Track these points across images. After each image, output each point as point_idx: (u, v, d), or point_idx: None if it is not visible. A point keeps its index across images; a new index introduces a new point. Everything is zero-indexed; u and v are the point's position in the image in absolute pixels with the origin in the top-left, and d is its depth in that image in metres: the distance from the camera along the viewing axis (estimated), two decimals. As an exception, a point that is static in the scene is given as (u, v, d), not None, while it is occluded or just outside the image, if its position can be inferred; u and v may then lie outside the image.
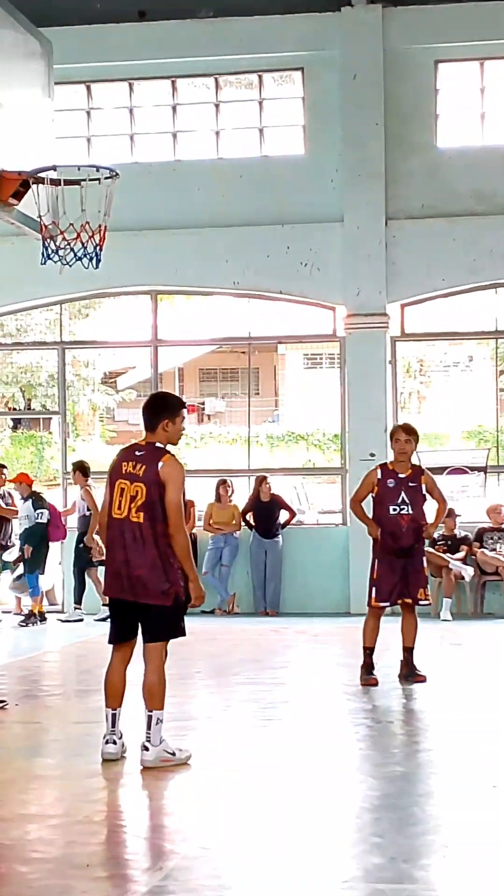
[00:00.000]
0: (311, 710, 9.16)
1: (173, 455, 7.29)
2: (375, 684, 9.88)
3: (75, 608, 15.60)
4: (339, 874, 5.20)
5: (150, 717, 7.14)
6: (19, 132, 10.19)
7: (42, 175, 9.93)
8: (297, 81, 16.69)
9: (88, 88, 17.01)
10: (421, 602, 10.10)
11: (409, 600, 10.06)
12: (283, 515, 16.21)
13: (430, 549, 14.10)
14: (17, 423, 32.44)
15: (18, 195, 9.92)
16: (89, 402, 32.00)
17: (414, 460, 10.41)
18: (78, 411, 31.14)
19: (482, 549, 15.59)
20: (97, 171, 10.10)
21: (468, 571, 15.33)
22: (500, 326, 16.74)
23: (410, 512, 9.97)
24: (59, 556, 16.38)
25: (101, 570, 15.23)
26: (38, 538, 15.23)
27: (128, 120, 17.06)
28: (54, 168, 10.08)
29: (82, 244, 10.09)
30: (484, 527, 15.85)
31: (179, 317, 20.37)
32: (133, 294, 17.84)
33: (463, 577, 15.33)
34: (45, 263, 10.27)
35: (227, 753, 7.60)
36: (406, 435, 10.10)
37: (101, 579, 15.19)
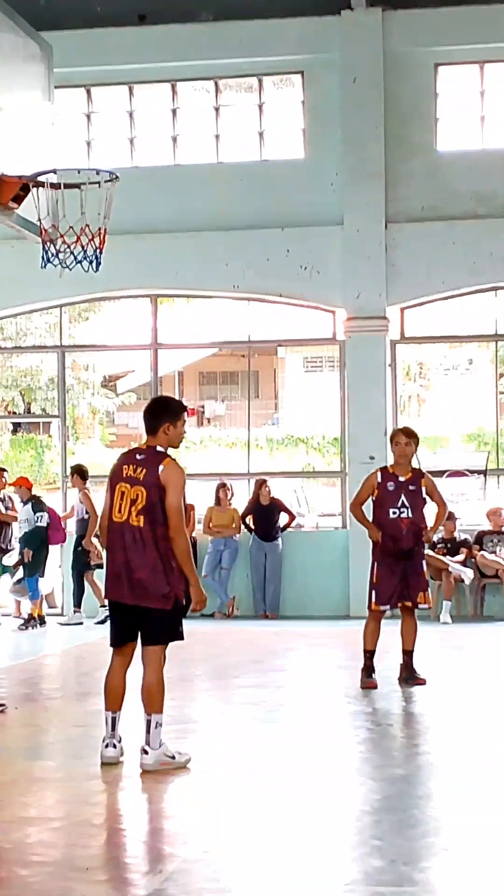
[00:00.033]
0: (311, 712, 9.16)
1: (174, 459, 7.29)
2: (375, 687, 9.88)
3: (75, 611, 15.60)
4: (340, 877, 5.20)
5: (149, 721, 7.14)
6: (19, 136, 10.21)
7: (42, 178, 9.95)
8: (296, 85, 16.70)
9: (88, 92, 17.02)
10: (421, 606, 10.10)
11: (409, 603, 10.07)
12: (283, 518, 16.22)
13: (430, 552, 14.11)
14: (16, 427, 32.41)
15: (18, 199, 9.93)
16: (89, 405, 31.98)
17: (414, 463, 10.41)
18: (78, 415, 31.11)
19: (482, 552, 15.59)
20: (97, 174, 10.13)
21: (468, 574, 15.33)
22: (501, 329, 16.74)
23: (410, 515, 9.97)
24: (59, 560, 16.38)
25: (98, 573, 15.38)
26: (38, 542, 15.23)
27: (128, 123, 17.08)
28: (54, 171, 10.10)
29: (82, 247, 10.10)
30: (484, 529, 15.86)
31: (179, 320, 20.35)
32: (133, 297, 17.84)
33: (463, 580, 15.33)
34: (45, 267, 10.28)
35: (226, 756, 7.60)
36: (406, 438, 10.10)
37: (98, 582, 15.33)
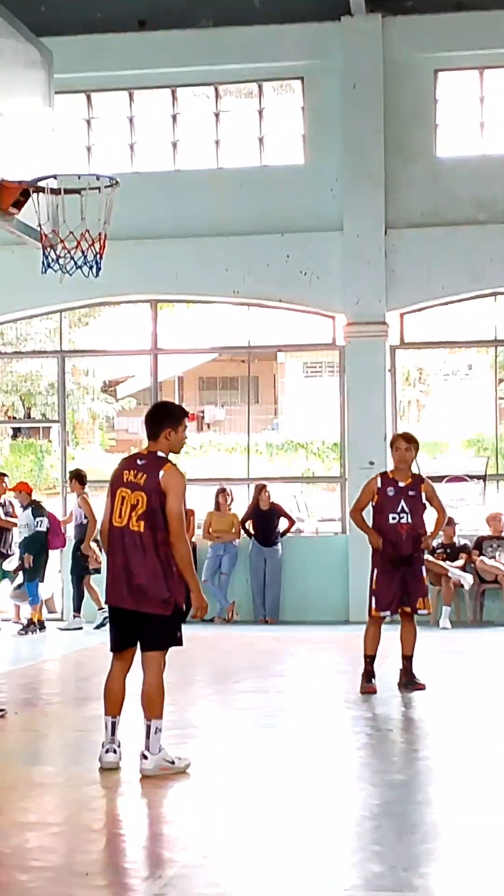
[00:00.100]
0: (310, 717, 9.16)
1: (175, 464, 7.29)
2: (374, 692, 9.88)
3: (74, 616, 15.60)
4: (340, 882, 5.20)
5: (149, 727, 7.13)
6: (20, 141, 10.22)
7: (42, 184, 9.96)
8: (296, 90, 16.73)
9: (89, 97, 17.05)
10: (420, 611, 10.10)
11: (409, 609, 10.07)
12: (283, 523, 16.22)
13: (430, 558, 14.12)
14: (16, 432, 32.41)
15: (19, 204, 9.94)
16: (89, 410, 31.99)
17: (414, 469, 10.41)
18: (78, 420, 31.12)
19: (481, 558, 15.60)
20: (97, 179, 10.13)
21: (467, 579, 15.33)
22: (500, 335, 16.75)
23: (410, 521, 9.97)
24: (59, 565, 16.38)
25: (95, 577, 15.41)
26: (38, 546, 15.24)
27: (128, 129, 17.10)
28: (54, 177, 10.11)
29: (82, 253, 10.11)
30: (483, 535, 15.86)
31: (179, 325, 20.37)
32: (133, 302, 17.84)
33: (462, 585, 15.33)
34: (45, 272, 10.30)
35: (226, 761, 7.60)
36: (406, 443, 10.11)
37: (95, 587, 15.36)
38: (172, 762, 7.17)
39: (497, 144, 16.23)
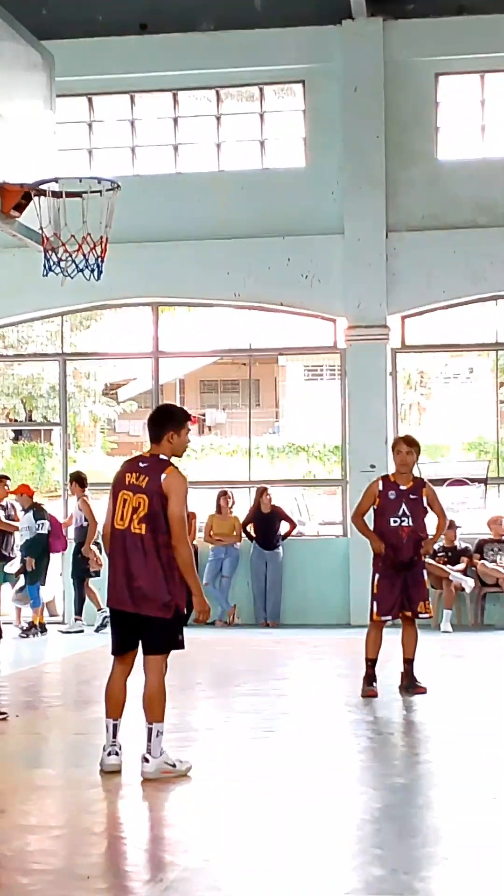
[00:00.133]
0: (311, 721, 9.15)
1: (177, 467, 7.29)
2: (375, 696, 9.87)
3: (76, 619, 15.60)
4: (340, 885, 5.20)
5: (150, 730, 7.13)
6: (21, 144, 10.24)
7: (44, 187, 9.97)
8: (297, 94, 16.73)
9: (90, 101, 17.05)
10: (421, 615, 10.09)
11: (410, 613, 10.07)
12: (284, 527, 16.21)
13: (431, 561, 14.11)
14: (18, 435, 32.43)
15: (20, 207, 9.96)
16: (90, 413, 32.02)
17: (415, 472, 10.41)
18: (79, 423, 31.15)
19: (483, 561, 15.59)
20: (98, 183, 10.14)
21: (469, 583, 15.33)
22: (501, 338, 16.76)
23: (411, 524, 9.97)
24: (60, 567, 16.38)
25: (94, 580, 15.44)
26: (40, 549, 15.24)
27: (129, 132, 17.11)
28: (56, 180, 10.12)
29: (84, 256, 10.12)
30: (484, 538, 15.86)
31: (180, 328, 20.39)
32: (134, 305, 17.86)
33: (463, 589, 15.33)
34: (46, 275, 10.31)
35: (227, 764, 7.60)
36: (408, 447, 10.10)
37: (94, 589, 15.38)
38: (174, 765, 7.16)
39: (498, 148, 16.23)
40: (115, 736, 7.28)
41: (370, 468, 15.04)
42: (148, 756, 7.11)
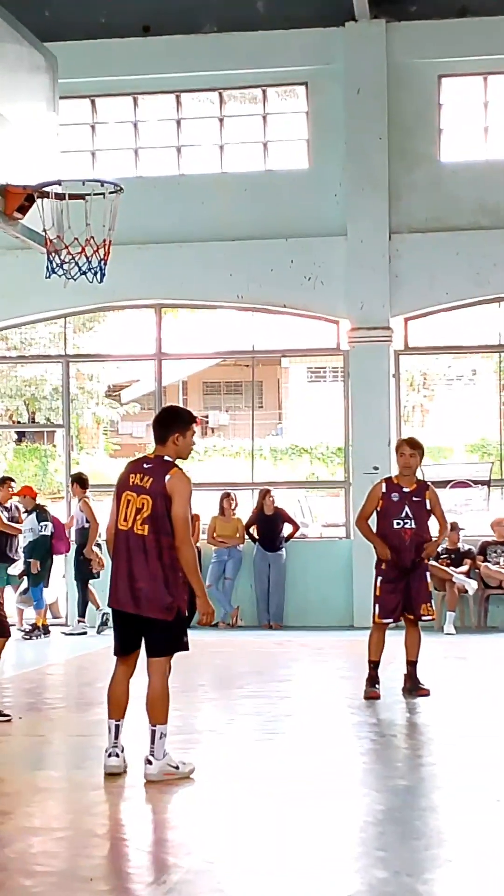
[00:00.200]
0: (314, 723, 9.15)
1: (181, 469, 7.29)
2: (377, 697, 9.87)
3: (79, 621, 15.61)
4: (343, 888, 5.19)
5: (153, 732, 7.13)
6: (24, 146, 10.24)
7: (47, 189, 9.98)
8: (300, 96, 16.74)
9: (93, 103, 17.06)
10: (424, 618, 10.08)
11: (412, 616, 10.06)
12: (287, 528, 16.22)
13: (434, 563, 14.12)
14: (21, 436, 32.41)
15: (23, 209, 9.96)
16: (93, 415, 31.99)
17: (418, 475, 10.40)
18: (82, 424, 31.11)
19: (486, 563, 15.59)
20: (102, 185, 10.16)
21: (472, 585, 15.32)
22: (504, 340, 16.77)
23: (414, 526, 9.96)
24: (63, 569, 16.39)
25: (93, 581, 15.45)
26: (43, 551, 15.24)
27: (132, 134, 17.12)
28: (59, 182, 10.14)
29: (87, 258, 10.13)
30: (487, 540, 15.85)
31: (183, 330, 20.39)
32: (137, 307, 17.87)
33: (466, 591, 15.32)
34: (49, 277, 10.31)
35: (230, 766, 7.59)
36: (411, 449, 10.10)
37: (93, 590, 15.39)
38: (177, 767, 7.16)
39: (500, 149, 16.24)
40: (116, 737, 7.27)
41: (373, 470, 15.04)
42: (151, 758, 7.11)
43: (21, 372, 29.89)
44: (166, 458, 7.28)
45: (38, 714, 9.77)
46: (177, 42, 16.38)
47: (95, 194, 10.02)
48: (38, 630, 15.08)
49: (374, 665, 10.04)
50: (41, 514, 15.40)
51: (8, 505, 15.43)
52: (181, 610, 7.16)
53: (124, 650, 7.31)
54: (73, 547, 15.75)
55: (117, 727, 7.27)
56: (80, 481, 15.91)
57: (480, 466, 18.52)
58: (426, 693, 10.01)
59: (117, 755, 7.26)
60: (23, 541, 15.27)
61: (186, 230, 16.43)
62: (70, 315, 17.91)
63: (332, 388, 26.10)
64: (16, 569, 15.47)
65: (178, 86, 16.78)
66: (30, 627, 15.21)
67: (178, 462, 7.33)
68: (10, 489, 15.44)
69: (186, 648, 7.27)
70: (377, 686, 9.98)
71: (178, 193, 16.61)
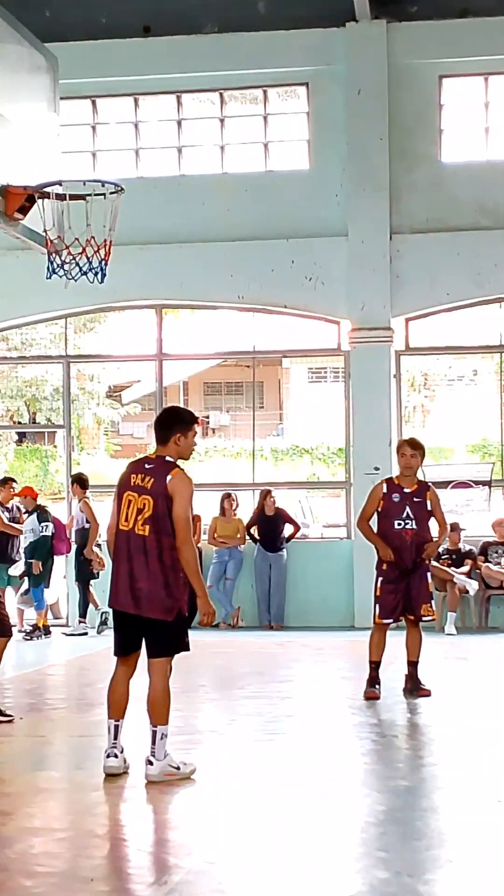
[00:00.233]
0: (315, 723, 9.15)
1: (182, 469, 7.28)
2: (376, 698, 9.86)
3: (80, 621, 15.61)
4: (344, 888, 5.19)
5: (154, 733, 7.12)
6: (25, 147, 10.24)
7: (47, 189, 9.98)
8: (301, 96, 16.74)
9: (94, 103, 17.06)
10: (424, 618, 10.08)
11: (413, 617, 10.06)
12: (288, 529, 16.21)
13: (435, 563, 14.10)
14: (21, 437, 32.42)
15: (24, 210, 9.96)
16: (94, 415, 31.99)
17: (419, 475, 10.40)
18: (83, 425, 31.11)
19: (487, 563, 15.58)
20: (102, 185, 10.15)
21: (473, 585, 15.31)
22: (505, 340, 16.76)
23: (415, 527, 9.96)
24: (64, 570, 16.39)
25: (92, 582, 15.46)
26: (44, 552, 15.24)
27: (133, 135, 17.12)
28: (60, 183, 10.13)
29: (87, 258, 10.13)
30: (488, 541, 15.85)
31: (184, 330, 20.38)
32: (138, 308, 17.86)
33: (467, 591, 15.32)
34: (50, 277, 10.31)
35: (231, 767, 7.59)
36: (412, 449, 10.09)
37: (91, 590, 15.39)
38: (178, 768, 7.16)
39: (501, 150, 16.23)
40: (115, 737, 7.27)
41: (374, 470, 15.03)
42: (152, 759, 7.11)
43: (22, 372, 29.90)
44: (168, 458, 7.28)
45: (39, 715, 9.77)
46: (177, 42, 16.38)
47: (96, 195, 10.02)
48: (38, 631, 15.08)
49: (374, 665, 10.04)
50: (42, 514, 15.40)
51: (9, 506, 15.43)
52: (182, 610, 7.16)
53: (124, 651, 7.30)
54: (74, 547, 15.74)
55: (116, 727, 7.26)
56: (80, 482, 15.92)
57: (481, 467, 18.52)
58: (427, 693, 10.01)
59: (116, 755, 7.25)
60: (24, 541, 15.26)
61: (187, 231, 16.43)
62: (71, 315, 17.90)
63: (332, 388, 26.11)
64: (17, 569, 15.47)
65: (178, 86, 16.78)
66: (31, 628, 15.22)
67: (179, 462, 7.33)
68: (12, 490, 15.44)
69: (187, 649, 7.26)
70: (377, 687, 9.97)
71: (178, 194, 16.61)
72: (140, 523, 7.13)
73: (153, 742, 7.12)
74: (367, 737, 8.61)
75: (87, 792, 6.99)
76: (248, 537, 16.16)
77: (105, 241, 10.09)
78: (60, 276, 10.25)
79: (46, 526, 15.28)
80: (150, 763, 7.10)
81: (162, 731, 7.11)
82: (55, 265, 10.19)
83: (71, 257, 10.15)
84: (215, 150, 16.86)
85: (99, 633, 15.20)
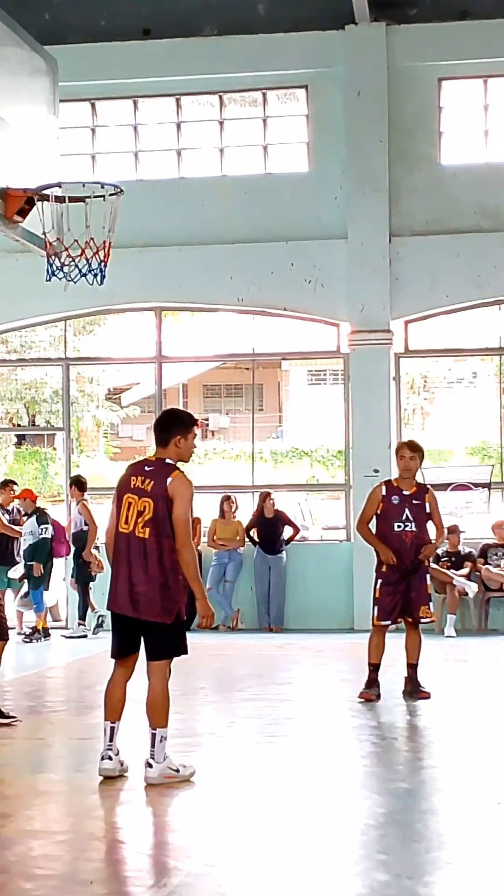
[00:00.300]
0: (315, 726, 9.15)
1: (182, 472, 7.28)
2: (372, 700, 9.84)
3: (79, 624, 15.60)
4: (344, 891, 5.19)
5: (153, 735, 7.11)
6: (24, 149, 10.23)
7: (47, 192, 9.97)
8: (301, 99, 16.75)
9: (93, 106, 17.07)
10: (423, 620, 10.08)
11: (411, 619, 10.05)
12: (287, 531, 16.21)
13: (435, 566, 14.10)
14: (21, 440, 32.42)
15: (23, 212, 9.95)
16: (93, 418, 31.98)
17: (418, 478, 10.39)
18: (82, 427, 31.10)
19: (486, 566, 15.58)
20: (102, 187, 10.14)
21: (472, 587, 15.31)
22: (504, 342, 16.77)
23: (414, 529, 9.96)
24: (63, 572, 16.38)
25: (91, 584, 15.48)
26: (43, 554, 15.24)
27: (132, 137, 17.13)
28: (59, 185, 10.12)
29: (87, 261, 10.12)
30: (488, 543, 15.85)
31: (183, 333, 20.38)
32: (137, 310, 17.87)
33: (467, 594, 15.32)
34: (49, 280, 10.30)
35: (231, 769, 7.59)
36: (411, 452, 10.10)
37: (90, 593, 15.41)
38: (177, 770, 7.15)
39: (501, 152, 16.26)
40: (111, 739, 7.24)
41: (374, 473, 15.02)
42: (151, 761, 7.10)
43: (21, 375, 29.89)
44: (167, 460, 7.28)
45: (38, 717, 9.77)
46: (177, 45, 16.39)
47: (95, 197, 10.02)
48: (38, 633, 15.07)
49: (374, 668, 10.03)
50: (41, 517, 15.40)
51: (9, 508, 15.43)
52: (181, 613, 7.15)
53: (122, 653, 7.29)
54: (73, 550, 15.74)
55: (112, 729, 7.25)
56: (78, 484, 15.92)
57: (481, 469, 18.52)
58: (427, 696, 10.00)
59: (111, 758, 7.24)
60: (23, 544, 15.26)
61: (186, 233, 16.43)
62: (70, 318, 17.91)
63: (332, 390, 26.09)
64: (16, 572, 15.46)
65: (178, 89, 16.80)
66: (30, 630, 15.22)
67: (179, 465, 7.32)
68: (12, 492, 15.44)
69: (186, 652, 7.25)
70: (374, 689, 9.96)
71: (178, 196, 16.62)
72: (140, 526, 7.12)
73: (152, 745, 7.11)
74: (366, 739, 8.61)
75: (86, 794, 6.98)
76: (247, 539, 16.16)
77: (104, 243, 10.08)
78: (60, 279, 10.25)
79: (46, 528, 15.28)
80: (150, 766, 7.10)
81: (161, 733, 7.10)
82: (54, 267, 10.18)
83: (70, 259, 10.15)
84: (215, 152, 16.87)
85: (94, 633, 15.24)
